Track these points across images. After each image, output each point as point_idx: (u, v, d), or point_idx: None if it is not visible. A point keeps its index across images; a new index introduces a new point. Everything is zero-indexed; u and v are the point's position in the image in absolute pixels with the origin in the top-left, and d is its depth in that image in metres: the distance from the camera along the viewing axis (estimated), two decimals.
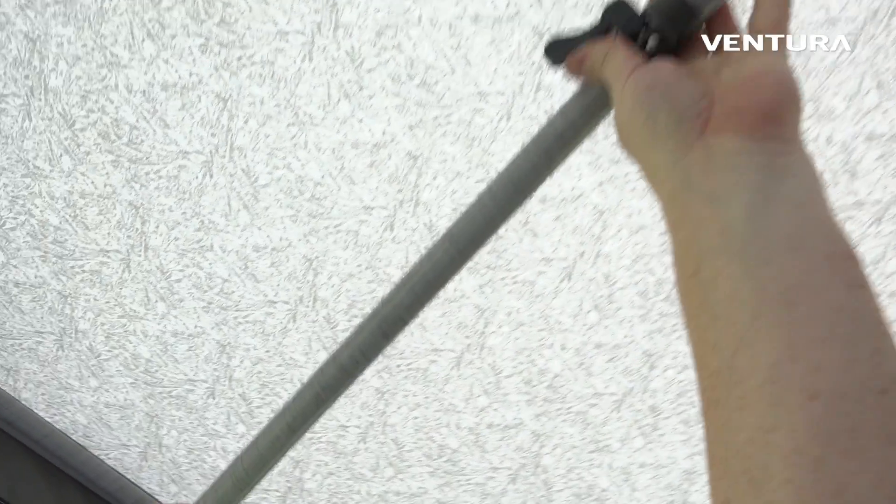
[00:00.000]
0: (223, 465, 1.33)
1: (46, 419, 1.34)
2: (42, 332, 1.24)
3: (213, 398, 1.26)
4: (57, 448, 1.33)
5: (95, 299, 1.19)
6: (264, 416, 1.26)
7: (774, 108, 0.32)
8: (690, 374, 1.15)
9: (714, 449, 0.27)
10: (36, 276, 1.18)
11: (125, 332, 1.21)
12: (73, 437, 1.35)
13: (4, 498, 1.29)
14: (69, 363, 1.26)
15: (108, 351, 1.24)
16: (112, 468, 1.36)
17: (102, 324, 1.21)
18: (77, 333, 1.23)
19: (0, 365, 1.29)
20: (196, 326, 1.18)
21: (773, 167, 0.31)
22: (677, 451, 1.24)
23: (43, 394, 1.31)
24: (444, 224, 1.05)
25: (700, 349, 0.29)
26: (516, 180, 0.43)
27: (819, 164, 1.02)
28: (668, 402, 1.19)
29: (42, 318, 1.22)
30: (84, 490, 1.37)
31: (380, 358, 1.14)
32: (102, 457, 1.37)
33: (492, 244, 1.06)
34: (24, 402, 1.33)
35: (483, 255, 1.07)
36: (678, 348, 1.13)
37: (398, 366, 1.18)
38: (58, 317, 1.22)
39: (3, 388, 1.32)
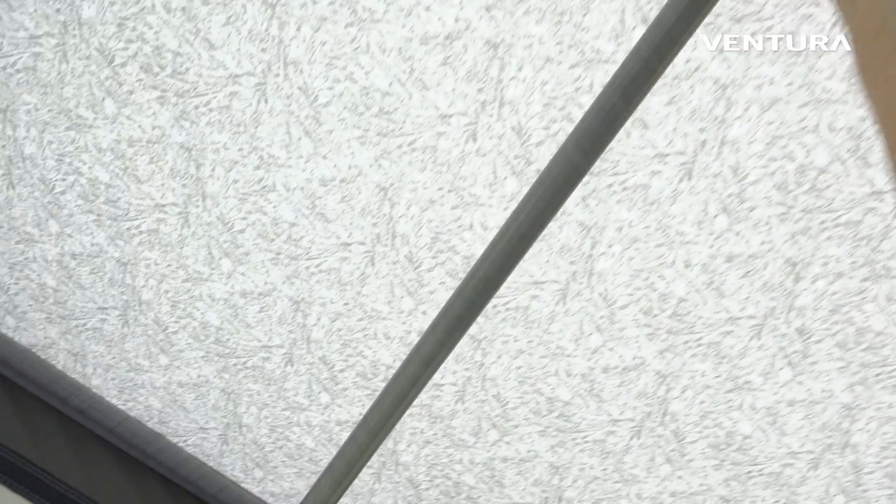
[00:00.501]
0: (310, 442, 1.21)
1: (119, 406, 1.24)
2: (105, 308, 1.15)
3: (292, 365, 1.14)
4: (132, 436, 1.23)
5: (156, 263, 1.08)
6: (349, 381, 1.13)
7: None
8: (846, 284, 0.96)
9: None
10: (92, 245, 1.09)
11: (191, 297, 1.10)
12: (149, 423, 1.26)
13: (84, 492, 1.20)
14: (136, 340, 1.17)
15: (175, 322, 1.13)
16: (192, 455, 1.25)
17: (166, 291, 1.10)
18: (141, 305, 1.13)
19: (67, 350, 1.21)
20: (266, 283, 1.07)
21: None
22: (833, 382, 1.04)
23: (113, 378, 1.22)
24: (534, 125, 0.90)
25: None
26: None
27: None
28: (819, 322, 0.99)
29: (103, 291, 1.13)
30: (164, 480, 1.27)
31: None
32: (181, 443, 1.27)
33: None
34: (94, 390, 1.24)
35: None
36: (829, 252, 0.94)
37: (493, 306, 1.03)
38: (119, 288, 1.12)
39: (73, 375, 1.23)
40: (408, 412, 1.16)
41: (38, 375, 1.20)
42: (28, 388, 1.21)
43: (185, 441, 1.27)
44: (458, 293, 0.50)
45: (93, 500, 1.20)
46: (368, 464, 1.22)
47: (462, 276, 1.00)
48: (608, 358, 1.06)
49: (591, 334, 1.04)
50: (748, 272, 0.97)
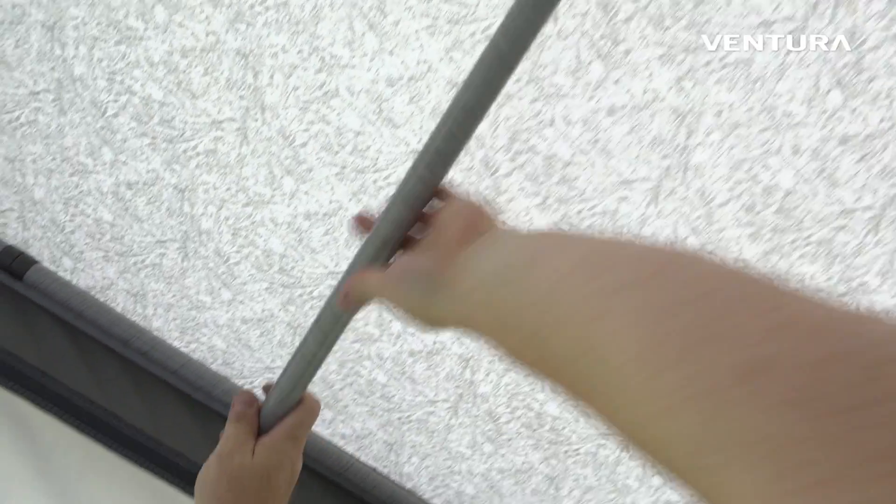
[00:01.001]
0: (381, 377, 1.14)
1: (181, 348, 1.20)
2: (164, 241, 1.09)
3: None
4: (196, 378, 1.18)
5: (215, 187, 1.03)
6: None
7: (469, 225, 0.46)
8: None
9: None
10: (148, 171, 1.04)
11: (252, 223, 1.04)
12: (213, 366, 1.21)
13: (151, 433, 1.16)
14: (197, 275, 1.11)
15: (237, 252, 1.07)
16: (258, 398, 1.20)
17: (226, 218, 1.05)
18: (201, 235, 1.07)
19: (126, 290, 1.16)
20: (331, 202, 1.00)
21: (485, 245, 0.43)
22: None
23: (174, 318, 1.17)
24: None
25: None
26: None
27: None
28: None
29: (161, 222, 1.08)
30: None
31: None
32: (246, 385, 1.22)
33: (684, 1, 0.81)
34: (155, 332, 1.19)
35: (674, 30, 0.82)
36: None
37: (578, 212, 0.95)
38: (178, 218, 1.07)
39: (133, 317, 1.19)
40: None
41: (98, 318, 1.16)
42: (88, 331, 1.17)
43: (250, 383, 1.21)
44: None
45: (160, 441, 1.16)
46: (444, 398, 1.15)
47: None
48: None
49: (687, 237, 0.95)
50: (863, 156, 0.87)
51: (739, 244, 0.95)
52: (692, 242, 0.95)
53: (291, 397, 0.65)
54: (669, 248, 0.30)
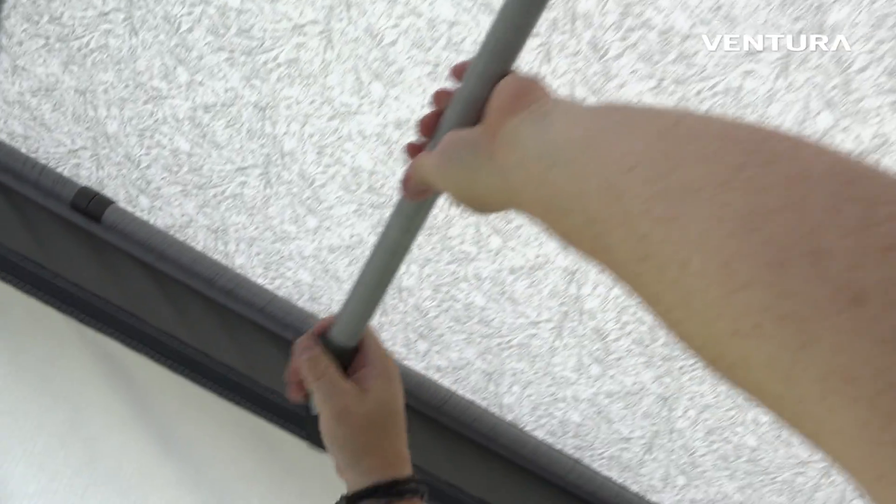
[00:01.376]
0: (480, 299, 1.08)
1: (266, 285, 1.15)
2: (245, 168, 1.04)
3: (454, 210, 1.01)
4: (284, 315, 1.13)
5: (297, 102, 0.96)
6: (521, 229, 0.99)
7: (519, 93, 0.42)
8: None
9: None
10: (226, 91, 0.98)
11: (338, 139, 0.98)
12: (299, 302, 1.16)
13: (245, 372, 1.11)
14: (280, 202, 1.06)
15: (322, 172, 1.02)
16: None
17: (311, 135, 0.99)
18: (284, 158, 1.01)
19: (206, 226, 1.11)
20: (422, 106, 0.93)
21: (536, 115, 0.39)
22: None
23: (258, 253, 1.12)
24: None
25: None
26: None
27: None
28: None
29: (241, 147, 1.02)
30: None
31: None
32: None
33: None
34: (238, 270, 1.14)
35: None
36: None
37: (696, 92, 0.87)
38: (259, 140, 1.01)
39: (215, 255, 1.14)
40: None
41: (179, 257, 1.11)
42: (170, 271, 1.13)
43: None
44: None
45: (253, 379, 1.11)
46: (547, 318, 1.08)
47: None
48: None
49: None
50: None
51: None
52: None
53: (368, 309, 0.61)
54: (756, 130, 0.26)
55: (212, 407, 1.12)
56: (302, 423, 1.10)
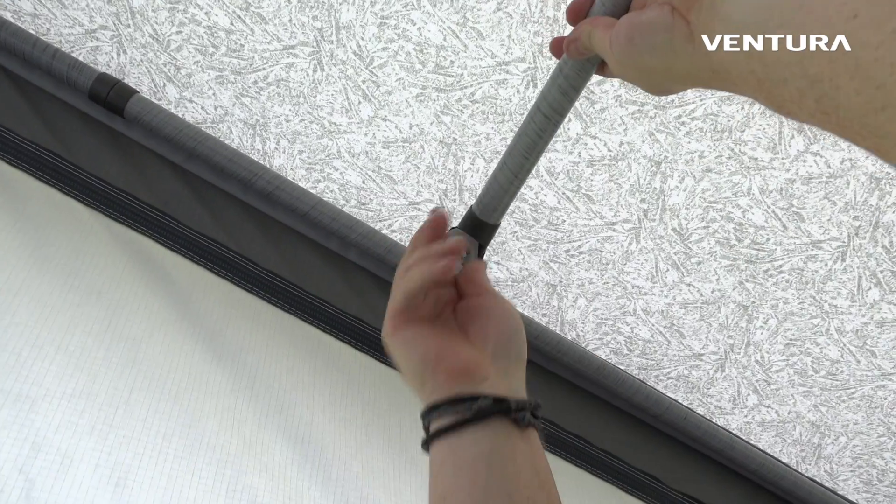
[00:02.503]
0: (551, 199, 0.98)
1: (310, 188, 1.03)
2: (293, 47, 0.92)
3: (530, 86, 0.90)
4: (330, 222, 1.02)
5: None
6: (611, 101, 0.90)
7: None
8: None
9: None
10: None
11: (405, 6, 0.87)
12: (346, 207, 1.05)
13: (291, 280, 1.00)
14: (332, 88, 0.94)
15: (383, 49, 0.90)
16: (399, 242, 1.04)
17: (372, 3, 0.87)
18: (339, 32, 0.90)
19: (243, 120, 0.99)
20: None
21: None
22: None
23: (301, 151, 1.01)
24: None
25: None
26: None
27: None
28: None
29: (291, 19, 0.90)
30: (369, 273, 1.07)
31: None
32: (384, 229, 1.06)
33: None
34: (277, 170, 1.03)
35: None
36: None
37: None
38: (311, 12, 0.89)
39: (252, 154, 1.02)
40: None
41: (211, 156, 0.99)
42: (201, 173, 1.01)
43: (388, 226, 1.05)
44: None
45: (301, 287, 1.00)
46: (625, 217, 0.99)
47: None
48: None
49: None
50: None
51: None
52: None
53: (518, 179, 0.56)
54: None
55: (261, 314, 1.01)
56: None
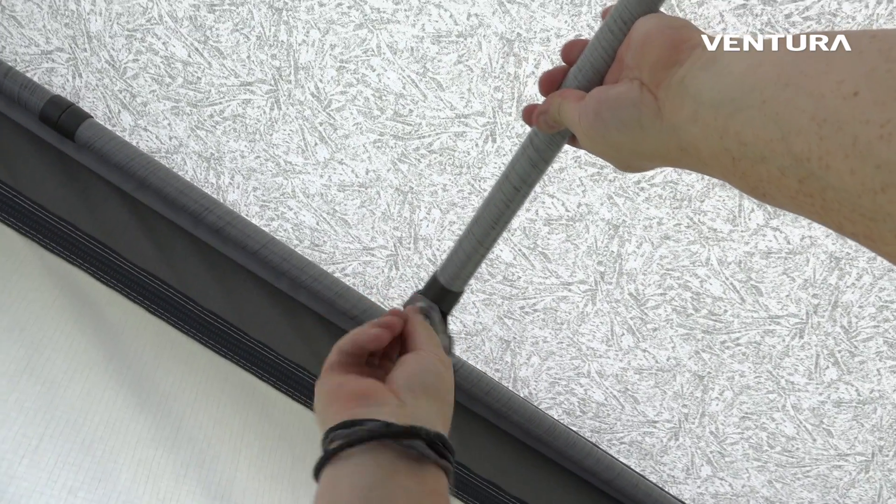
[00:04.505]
0: (507, 255, 0.96)
1: (262, 225, 1.01)
2: (251, 84, 0.90)
3: (493, 141, 0.88)
4: (280, 262, 0.99)
5: (320, 3, 0.83)
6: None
7: (675, 41, 0.38)
8: None
9: None
10: None
11: (365, 52, 0.85)
12: (299, 248, 1.02)
13: (233, 322, 0.97)
14: (288, 127, 0.92)
15: (342, 93, 0.88)
16: (350, 287, 1.01)
17: (332, 46, 0.85)
18: (298, 73, 0.88)
19: (198, 153, 0.97)
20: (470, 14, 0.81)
21: (704, 63, 0.35)
22: None
23: (255, 188, 0.98)
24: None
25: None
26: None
27: None
28: None
29: (249, 56, 0.88)
30: (318, 318, 1.04)
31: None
32: (337, 273, 1.03)
33: None
34: (230, 206, 1.00)
35: None
36: None
37: None
38: (270, 50, 0.87)
39: (206, 187, 0.99)
40: None
41: (164, 187, 0.96)
42: (152, 203, 0.98)
43: (342, 269, 1.03)
44: None
45: (243, 330, 0.97)
46: (581, 279, 0.97)
47: None
48: None
49: None
50: None
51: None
52: None
53: (482, 249, 0.57)
54: None
55: (195, 357, 0.98)
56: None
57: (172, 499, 0.86)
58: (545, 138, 0.49)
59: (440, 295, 0.56)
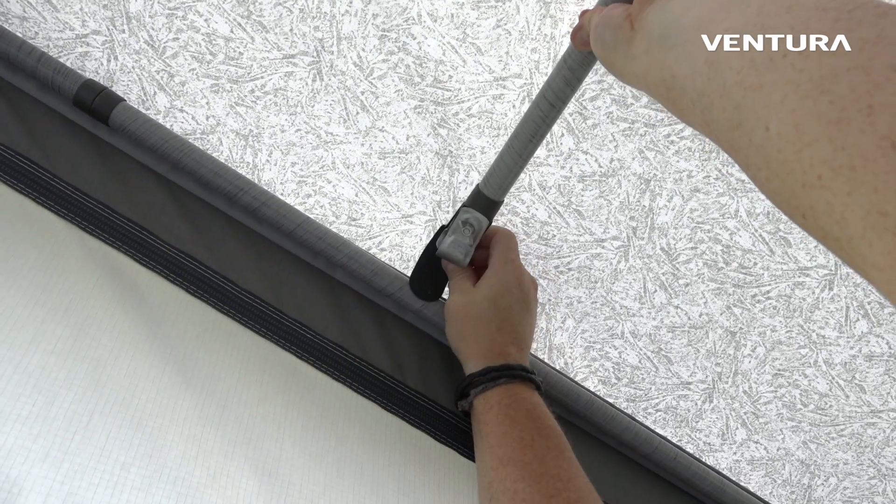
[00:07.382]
0: (542, 213, 0.98)
1: (297, 204, 1.01)
2: (293, 56, 0.92)
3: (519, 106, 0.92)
4: (316, 241, 0.99)
5: None
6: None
7: None
8: None
9: None
10: None
11: (406, 21, 0.89)
12: (334, 225, 1.02)
13: (271, 302, 0.96)
14: (330, 98, 0.94)
15: (384, 60, 0.92)
16: (387, 263, 1.02)
17: (374, 15, 0.89)
18: (340, 43, 0.91)
19: (235, 131, 0.98)
20: None
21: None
22: None
23: (294, 163, 0.99)
24: None
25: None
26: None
27: None
28: None
29: (291, 29, 0.91)
30: (358, 296, 1.03)
31: None
32: (374, 249, 1.03)
33: None
34: (265, 185, 1.01)
35: None
36: None
37: None
38: (312, 22, 0.90)
39: (240, 168, 1.00)
40: None
41: (197, 168, 0.97)
42: (186, 185, 0.98)
43: (378, 244, 1.03)
44: None
45: (281, 310, 0.96)
46: (614, 235, 1.00)
47: None
48: None
49: None
50: None
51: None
52: None
53: (521, 161, 0.61)
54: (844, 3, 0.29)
55: (235, 337, 0.96)
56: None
57: (223, 474, 0.83)
58: (578, 57, 0.55)
59: (487, 206, 0.62)
